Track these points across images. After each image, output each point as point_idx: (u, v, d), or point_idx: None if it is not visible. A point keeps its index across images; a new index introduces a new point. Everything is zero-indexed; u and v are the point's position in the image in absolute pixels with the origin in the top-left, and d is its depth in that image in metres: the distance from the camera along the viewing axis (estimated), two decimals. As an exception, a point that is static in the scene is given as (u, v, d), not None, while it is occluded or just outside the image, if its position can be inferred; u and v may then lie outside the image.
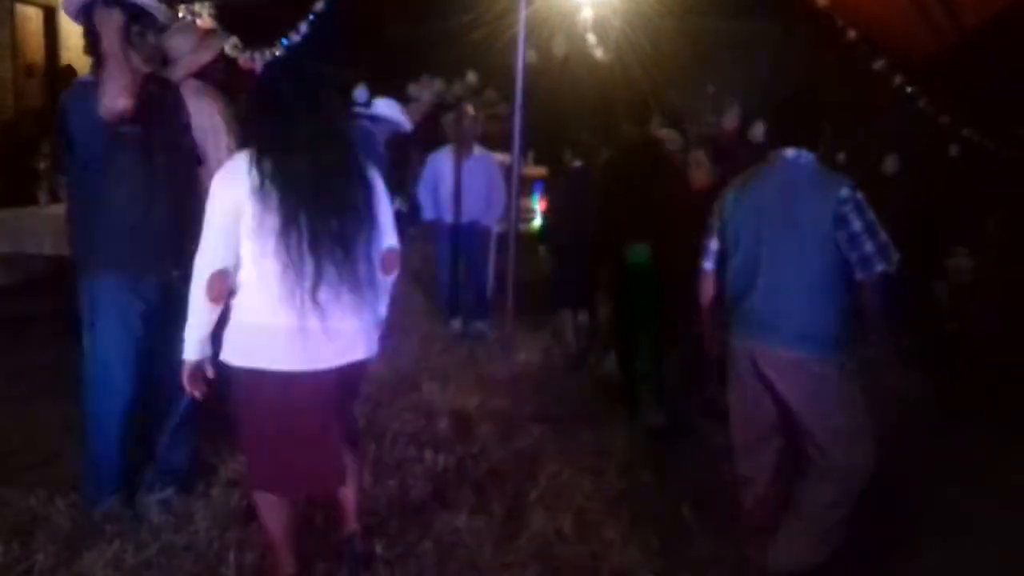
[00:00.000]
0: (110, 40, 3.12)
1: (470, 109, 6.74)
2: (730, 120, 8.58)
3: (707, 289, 3.53)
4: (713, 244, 3.48)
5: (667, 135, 5.26)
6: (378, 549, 3.27)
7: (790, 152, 3.24)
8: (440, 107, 10.00)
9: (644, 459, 4.32)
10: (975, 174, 6.70)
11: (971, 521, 3.87)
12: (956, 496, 4.08)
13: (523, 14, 4.52)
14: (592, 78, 7.71)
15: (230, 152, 3.93)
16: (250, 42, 7.85)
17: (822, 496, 3.16)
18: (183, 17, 7.83)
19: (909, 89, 6.32)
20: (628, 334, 5.10)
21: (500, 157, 7.35)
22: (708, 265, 3.51)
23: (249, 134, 2.85)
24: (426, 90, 10.32)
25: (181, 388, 2.87)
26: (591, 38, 6.71)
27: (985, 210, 6.16)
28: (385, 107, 5.68)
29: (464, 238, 6.37)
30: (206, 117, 3.87)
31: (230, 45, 7.74)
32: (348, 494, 3.14)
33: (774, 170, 3.28)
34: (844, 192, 3.06)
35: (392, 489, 3.79)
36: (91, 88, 3.18)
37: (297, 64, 3.10)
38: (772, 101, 3.94)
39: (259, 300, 2.73)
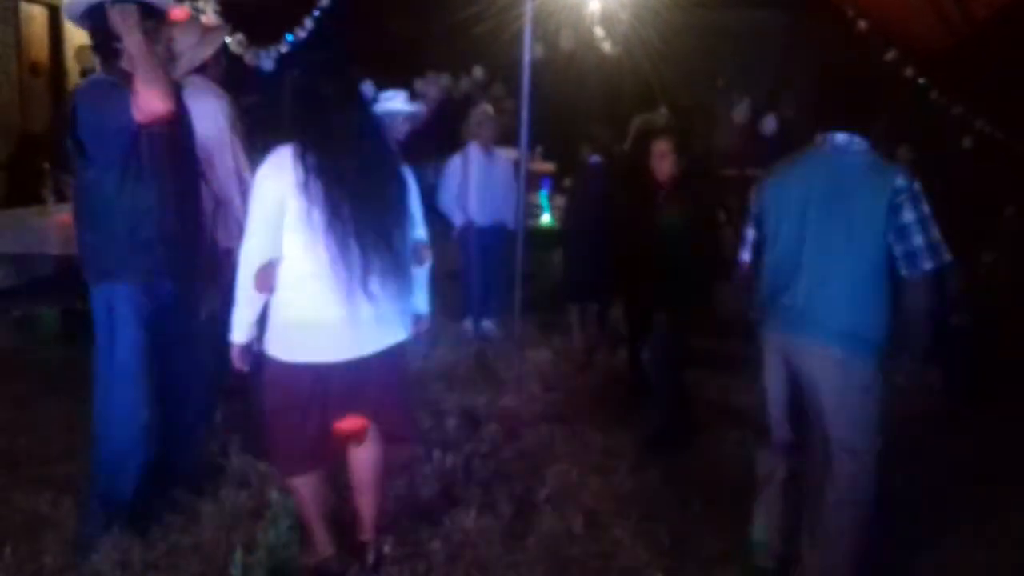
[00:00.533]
0: (136, 40, 3.00)
1: (489, 109, 6.69)
2: (740, 114, 8.55)
3: (744, 281, 3.32)
4: (750, 234, 3.23)
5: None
6: (387, 548, 3.25)
7: (840, 137, 2.96)
8: (448, 102, 9.97)
9: (653, 457, 4.29)
10: (990, 166, 6.63)
11: (982, 517, 3.82)
12: (966, 490, 4.03)
13: (530, 7, 4.47)
14: (599, 72, 7.66)
15: (235, 151, 3.93)
16: (255, 38, 7.82)
17: (839, 510, 3.00)
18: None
19: (921, 81, 6.25)
20: (641, 331, 5.04)
21: (507, 153, 7.31)
22: (745, 256, 3.28)
23: (291, 129, 2.89)
24: (432, 86, 10.27)
25: (193, 390, 2.89)
26: (599, 32, 6.66)
27: (1001, 202, 6.09)
28: (393, 100, 5.63)
29: (489, 239, 6.30)
30: (210, 116, 3.83)
31: (234, 41, 7.72)
32: (368, 498, 3.19)
33: (821, 156, 3.02)
34: (900, 181, 2.80)
35: (401, 488, 3.76)
36: (108, 88, 3.07)
37: (336, 61, 3.07)
38: (822, 77, 3.51)
39: (309, 293, 2.84)
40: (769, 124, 8.75)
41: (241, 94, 4.61)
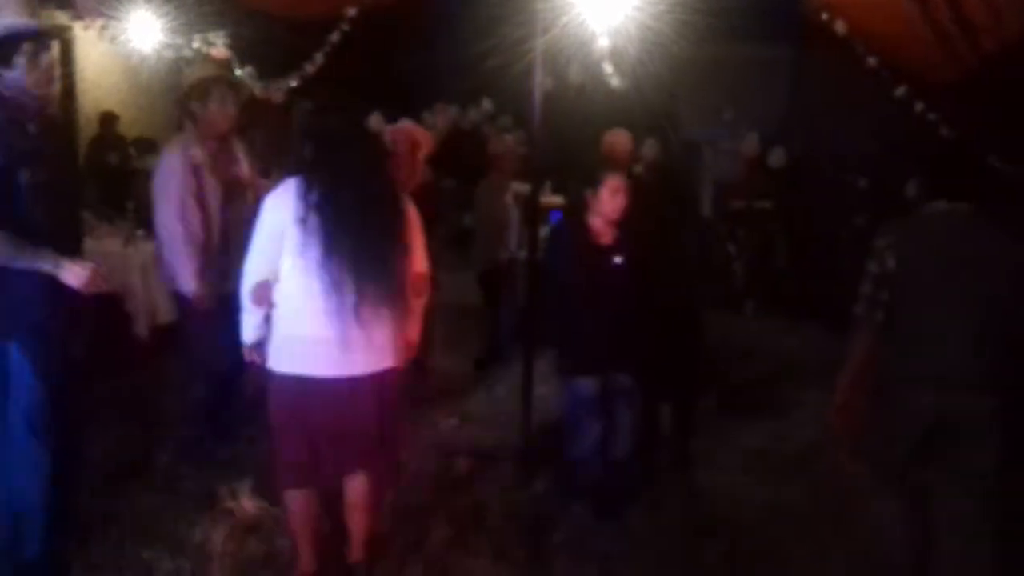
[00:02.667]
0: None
1: (510, 141, 6.69)
2: (749, 147, 8.55)
3: (862, 341, 3.17)
4: (870, 290, 3.14)
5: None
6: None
7: (953, 206, 3.07)
8: (456, 134, 10.00)
9: (667, 499, 4.23)
10: (1004, 200, 6.58)
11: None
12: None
13: (540, 43, 4.47)
14: (608, 106, 7.68)
15: (175, 198, 4.01)
16: (264, 71, 7.84)
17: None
18: (198, 47, 7.87)
19: (931, 116, 6.24)
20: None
21: (516, 186, 7.30)
22: (864, 312, 3.15)
23: (296, 163, 3.06)
24: (440, 116, 10.32)
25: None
26: (607, 67, 6.68)
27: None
28: None
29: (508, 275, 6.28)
30: (161, 163, 4.06)
31: (245, 74, 7.74)
32: (359, 519, 3.24)
33: (945, 220, 3.08)
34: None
35: (412, 533, 3.71)
36: None
37: (343, 98, 3.16)
38: (927, 153, 3.72)
39: (304, 313, 2.99)
40: (777, 156, 8.75)
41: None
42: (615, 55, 6.43)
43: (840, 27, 6.36)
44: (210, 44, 8.18)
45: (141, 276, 5.53)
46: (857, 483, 3.94)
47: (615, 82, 6.75)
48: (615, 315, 3.99)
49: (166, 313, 5.46)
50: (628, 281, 4.03)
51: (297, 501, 3.19)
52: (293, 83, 7.69)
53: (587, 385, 4.05)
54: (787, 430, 5.15)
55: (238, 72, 7.50)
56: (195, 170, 4.04)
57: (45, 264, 2.86)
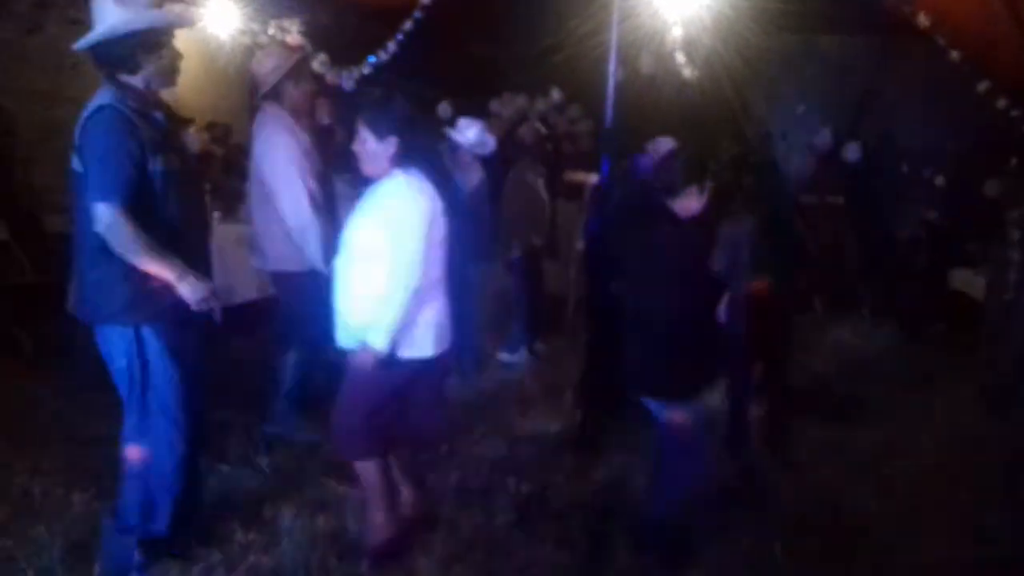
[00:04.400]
0: None
1: (539, 125, 6.74)
2: (822, 141, 8.38)
3: None
4: None
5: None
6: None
7: None
8: (523, 123, 9.99)
9: (734, 492, 4.19)
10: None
11: None
12: None
13: (615, 33, 4.46)
14: (680, 96, 7.59)
15: (301, 180, 4.04)
16: (337, 59, 7.93)
17: None
18: (273, 34, 8.00)
19: (1015, 113, 6.03)
20: None
21: (583, 176, 7.29)
22: None
23: (400, 158, 3.16)
24: (508, 106, 10.32)
25: None
26: (680, 57, 6.60)
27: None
28: (467, 131, 5.69)
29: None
30: (278, 149, 4.12)
31: (317, 62, 7.84)
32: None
33: None
34: None
35: (476, 516, 3.75)
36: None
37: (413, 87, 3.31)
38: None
39: (426, 299, 3.18)
40: (852, 152, 8.56)
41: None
42: (688, 45, 6.38)
43: (923, 20, 6.19)
44: (285, 31, 8.32)
45: (219, 258, 5.65)
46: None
47: (687, 73, 6.67)
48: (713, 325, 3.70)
49: (242, 294, 5.62)
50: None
51: (378, 476, 3.33)
52: (365, 71, 7.76)
53: (697, 410, 3.56)
54: (855, 429, 5.05)
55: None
56: (306, 151, 4.18)
57: (170, 273, 2.88)
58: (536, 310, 6.42)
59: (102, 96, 2.93)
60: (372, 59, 7.53)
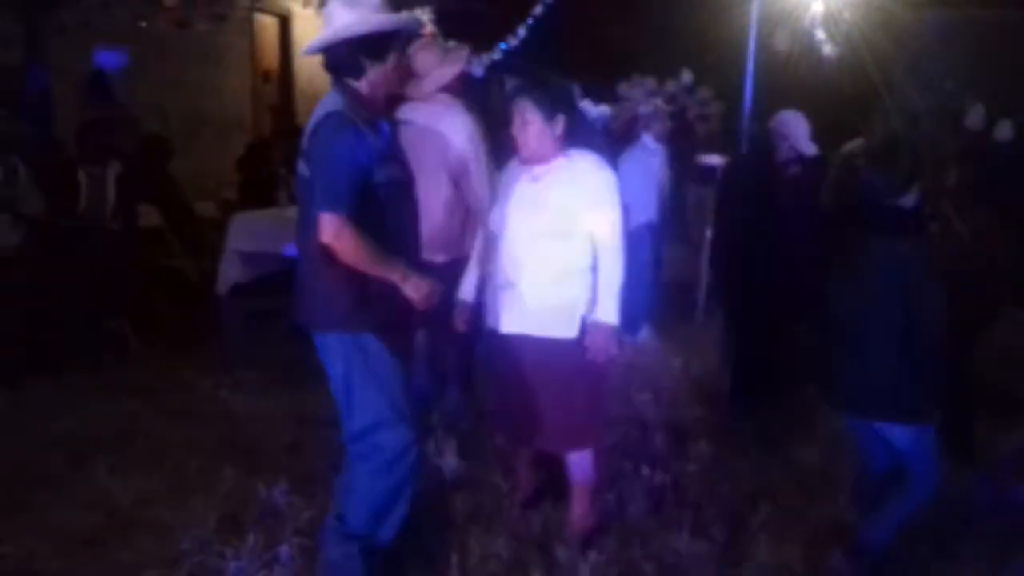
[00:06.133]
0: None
1: (661, 103, 6.61)
2: (974, 120, 7.92)
3: None
4: None
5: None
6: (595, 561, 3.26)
7: None
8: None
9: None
10: None
11: None
12: None
13: (756, 8, 4.34)
14: (816, 75, 7.33)
15: (482, 164, 4.08)
16: (467, 46, 8.03)
17: None
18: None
19: None
20: None
21: (715, 159, 7.14)
22: None
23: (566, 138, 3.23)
24: (636, 89, 10.20)
25: None
26: (819, 34, 6.36)
27: None
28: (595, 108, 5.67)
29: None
30: (463, 131, 4.06)
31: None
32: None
33: None
34: None
35: (610, 503, 3.74)
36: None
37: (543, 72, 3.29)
38: None
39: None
40: (1004, 131, 8.05)
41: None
42: (828, 20, 6.15)
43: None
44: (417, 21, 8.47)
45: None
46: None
47: (827, 50, 6.43)
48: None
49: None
50: None
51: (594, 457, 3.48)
52: (495, 57, 7.83)
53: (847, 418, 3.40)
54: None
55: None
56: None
57: (395, 275, 2.84)
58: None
59: (331, 102, 2.87)
60: (503, 45, 7.60)
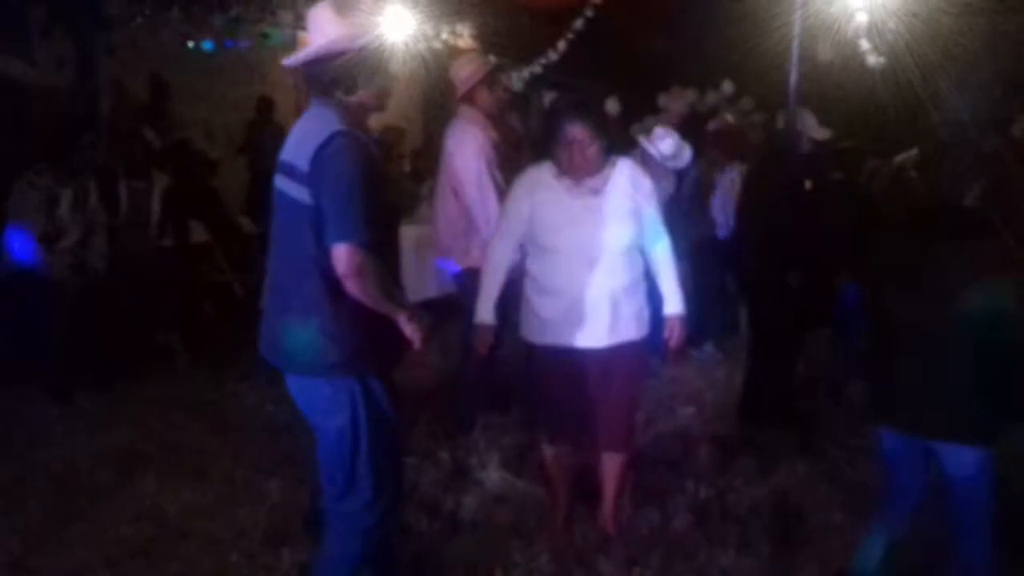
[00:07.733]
0: None
1: (729, 118, 6.59)
2: (1021, 129, 7.75)
3: None
4: None
5: None
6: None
7: None
8: (692, 116, 9.78)
9: (925, 505, 3.92)
10: None
11: None
12: None
13: (799, 18, 4.31)
14: (860, 86, 7.24)
15: (485, 181, 4.20)
16: (506, 59, 8.07)
17: None
18: (446, 39, 8.22)
19: None
20: None
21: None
22: None
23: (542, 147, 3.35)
24: (676, 100, 10.12)
25: None
26: (863, 44, 6.28)
27: None
28: (663, 141, 5.70)
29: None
30: (468, 148, 4.29)
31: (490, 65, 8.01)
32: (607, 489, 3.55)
33: None
34: None
35: (654, 518, 3.71)
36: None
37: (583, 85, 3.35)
38: None
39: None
40: (1055, 138, 7.87)
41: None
42: (872, 30, 6.08)
43: None
44: (457, 35, 8.53)
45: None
46: None
47: (871, 60, 6.34)
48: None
49: (428, 290, 5.82)
50: None
51: (556, 469, 3.52)
52: (536, 70, 7.86)
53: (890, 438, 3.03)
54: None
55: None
56: (496, 149, 4.37)
57: (403, 312, 2.59)
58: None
59: (324, 119, 2.56)
60: (542, 59, 7.65)
